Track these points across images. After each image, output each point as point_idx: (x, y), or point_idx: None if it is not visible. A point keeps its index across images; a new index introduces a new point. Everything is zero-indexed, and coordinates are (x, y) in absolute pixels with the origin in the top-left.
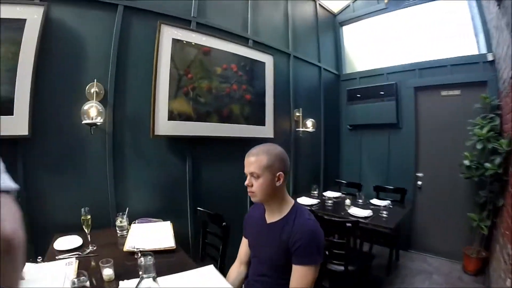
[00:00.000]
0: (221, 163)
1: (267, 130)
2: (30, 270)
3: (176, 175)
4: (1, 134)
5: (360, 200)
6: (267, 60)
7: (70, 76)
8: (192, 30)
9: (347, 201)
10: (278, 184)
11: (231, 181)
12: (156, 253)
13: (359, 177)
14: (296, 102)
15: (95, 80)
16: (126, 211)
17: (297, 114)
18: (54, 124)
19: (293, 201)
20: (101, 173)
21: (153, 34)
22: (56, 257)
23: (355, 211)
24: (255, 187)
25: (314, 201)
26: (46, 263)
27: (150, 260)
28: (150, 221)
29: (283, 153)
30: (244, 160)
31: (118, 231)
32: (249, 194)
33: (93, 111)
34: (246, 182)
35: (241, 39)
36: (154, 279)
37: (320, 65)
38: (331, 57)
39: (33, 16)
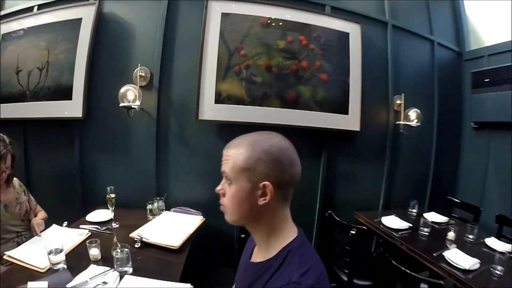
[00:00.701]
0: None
1: (350, 121)
2: (53, 230)
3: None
4: (62, 116)
5: (471, 236)
6: (352, 30)
7: (120, 63)
8: (244, 0)
9: (450, 235)
10: (262, 201)
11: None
12: (160, 248)
13: (479, 198)
14: (397, 86)
15: (138, 64)
16: (164, 197)
17: (398, 102)
18: (104, 108)
19: (292, 236)
20: (145, 156)
21: (200, 13)
22: (80, 226)
23: (455, 256)
24: (225, 198)
25: (404, 225)
26: (66, 228)
27: (122, 254)
28: (187, 212)
29: (281, 149)
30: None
31: (148, 215)
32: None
33: (130, 95)
34: (217, 188)
35: (314, 6)
36: (122, 275)
37: (432, 38)
38: (448, 28)
39: (87, 14)
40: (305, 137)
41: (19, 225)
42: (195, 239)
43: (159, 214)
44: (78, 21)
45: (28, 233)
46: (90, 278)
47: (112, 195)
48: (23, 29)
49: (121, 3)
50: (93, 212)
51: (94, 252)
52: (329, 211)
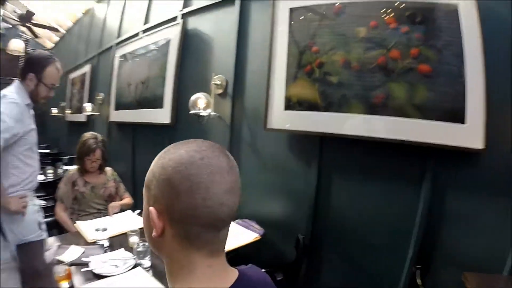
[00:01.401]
0: (367, 180)
1: (468, 133)
2: (126, 215)
3: (294, 183)
4: (154, 122)
5: None
6: (463, 2)
7: (201, 73)
8: None
9: None
10: (154, 233)
11: (384, 213)
12: None
13: None
14: None
15: (213, 74)
16: None
17: None
18: (188, 115)
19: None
20: None
21: (268, 14)
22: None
23: None
24: None
25: None
26: (137, 215)
27: (139, 247)
28: (249, 227)
29: (179, 166)
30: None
31: None
32: None
33: (200, 102)
34: None
35: None
36: (136, 266)
37: None
38: None
39: (174, 33)
40: (399, 155)
41: (101, 204)
42: (244, 255)
43: None
44: (168, 41)
45: (106, 212)
46: (110, 259)
47: None
48: (132, 51)
49: (201, 18)
50: None
51: (134, 240)
52: (418, 266)
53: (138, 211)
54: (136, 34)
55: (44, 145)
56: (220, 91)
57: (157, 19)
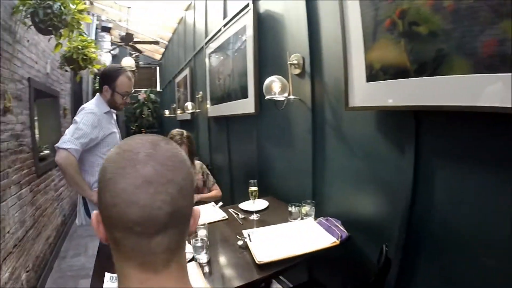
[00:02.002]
0: (483, 169)
1: None
2: (209, 208)
3: (387, 174)
4: (241, 112)
5: None
6: None
7: (278, 56)
8: None
9: None
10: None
11: (508, 215)
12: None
13: None
14: None
15: (288, 52)
16: (311, 201)
17: None
18: (271, 102)
19: None
20: (303, 151)
21: None
22: (228, 209)
23: None
24: None
25: None
26: (218, 208)
27: (196, 242)
28: (330, 228)
29: (108, 162)
30: None
31: (289, 218)
32: None
33: (275, 86)
34: None
35: None
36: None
37: None
38: None
39: (248, 20)
40: None
41: None
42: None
43: (301, 219)
44: (244, 29)
45: None
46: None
47: (254, 188)
48: (218, 47)
49: None
50: (250, 201)
51: (201, 233)
52: None
53: (220, 203)
54: (219, 30)
55: None
56: (298, 71)
57: (233, 11)
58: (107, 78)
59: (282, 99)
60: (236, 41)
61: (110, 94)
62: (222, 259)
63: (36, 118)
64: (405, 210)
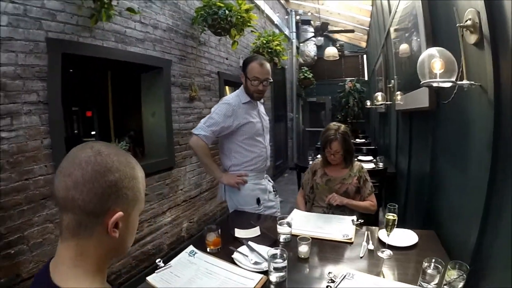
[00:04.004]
0: None
1: None
2: (342, 221)
3: None
4: (415, 106)
5: None
6: None
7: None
8: None
9: None
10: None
11: None
12: None
13: None
14: None
15: (454, 9)
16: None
17: None
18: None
19: None
20: (476, 179)
21: None
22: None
23: None
24: None
25: None
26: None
27: (276, 263)
28: None
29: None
30: None
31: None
32: None
33: (436, 65)
34: None
35: None
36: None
37: None
38: None
39: None
40: None
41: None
42: None
43: None
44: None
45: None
46: (261, 251)
47: (391, 217)
48: (396, 28)
49: None
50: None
51: (302, 249)
52: None
53: (354, 217)
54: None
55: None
56: (474, 38)
57: None
58: (243, 65)
59: (448, 85)
60: (405, 17)
61: (245, 81)
62: None
63: None
64: None
